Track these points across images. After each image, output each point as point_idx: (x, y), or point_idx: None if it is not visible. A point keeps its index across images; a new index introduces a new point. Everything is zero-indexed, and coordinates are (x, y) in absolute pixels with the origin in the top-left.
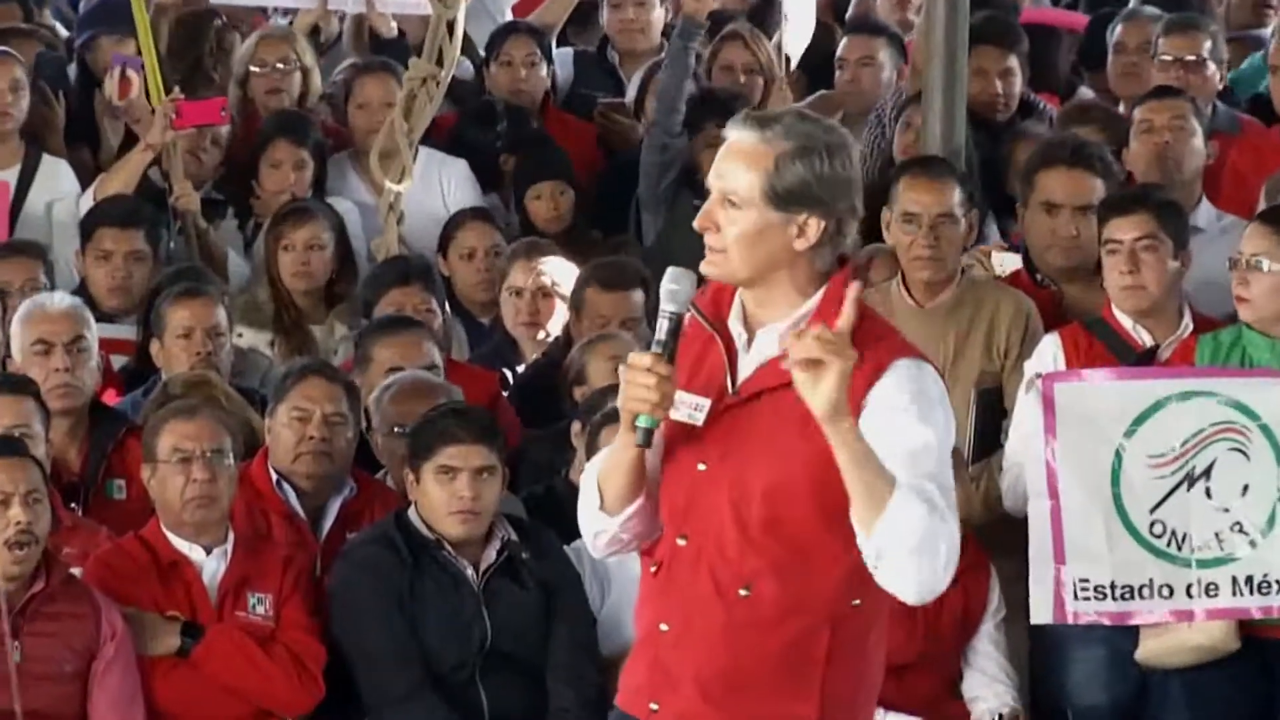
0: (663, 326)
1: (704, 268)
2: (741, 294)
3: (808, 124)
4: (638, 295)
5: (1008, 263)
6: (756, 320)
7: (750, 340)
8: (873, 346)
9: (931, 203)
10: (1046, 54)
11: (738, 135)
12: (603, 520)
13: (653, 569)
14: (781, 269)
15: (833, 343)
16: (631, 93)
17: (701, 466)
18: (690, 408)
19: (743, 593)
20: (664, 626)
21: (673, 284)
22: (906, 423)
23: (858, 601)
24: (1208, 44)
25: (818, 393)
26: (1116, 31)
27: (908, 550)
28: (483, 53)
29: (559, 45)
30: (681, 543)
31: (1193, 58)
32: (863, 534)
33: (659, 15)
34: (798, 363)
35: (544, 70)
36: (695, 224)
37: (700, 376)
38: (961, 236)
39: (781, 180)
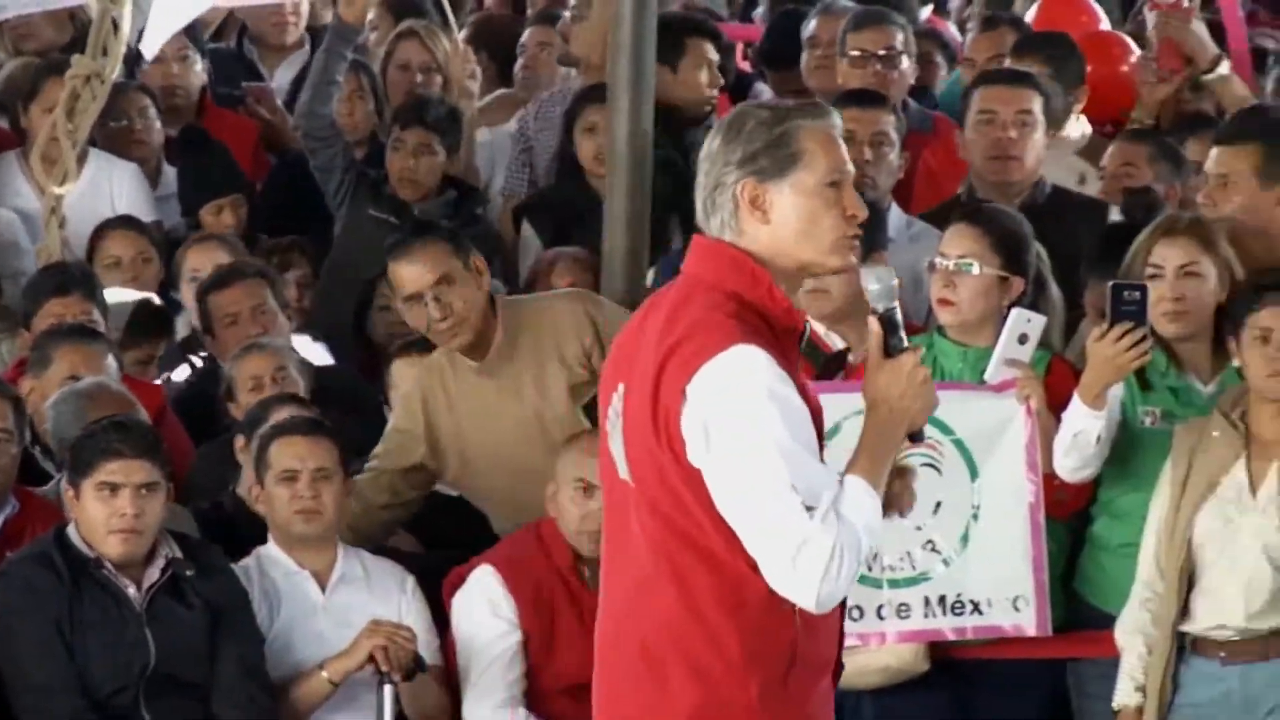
0: (896, 323)
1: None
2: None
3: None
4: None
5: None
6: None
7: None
8: None
9: None
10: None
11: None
12: None
13: None
14: None
15: None
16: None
17: None
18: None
19: None
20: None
21: (875, 284)
22: None
23: None
24: (899, 37)
25: None
26: (811, 26)
27: None
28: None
29: None
30: None
31: (883, 52)
32: None
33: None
34: None
35: (199, 65)
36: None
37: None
38: None
39: None
